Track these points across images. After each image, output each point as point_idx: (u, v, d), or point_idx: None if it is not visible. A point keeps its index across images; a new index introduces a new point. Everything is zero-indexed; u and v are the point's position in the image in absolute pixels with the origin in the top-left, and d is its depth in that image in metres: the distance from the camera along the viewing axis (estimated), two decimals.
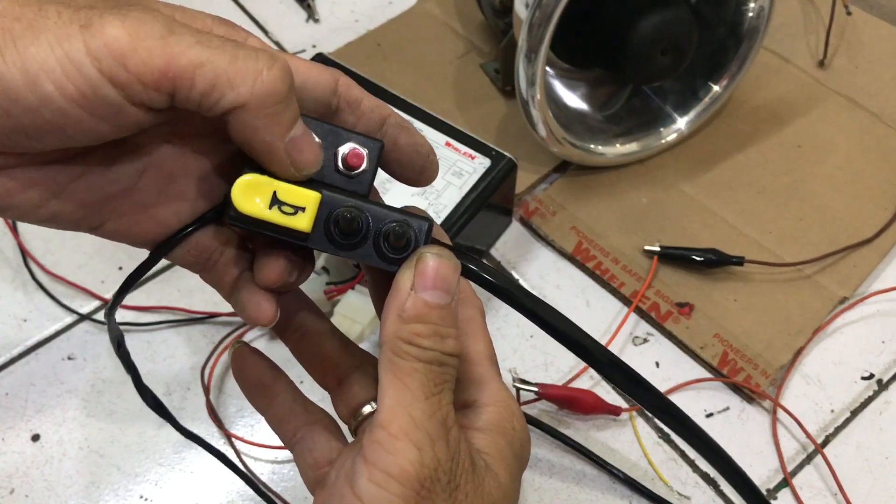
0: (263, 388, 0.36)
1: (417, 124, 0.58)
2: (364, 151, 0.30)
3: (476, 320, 0.34)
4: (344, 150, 0.30)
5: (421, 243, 0.30)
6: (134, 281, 0.32)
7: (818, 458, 0.52)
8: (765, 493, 0.51)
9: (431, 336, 0.28)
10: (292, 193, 0.29)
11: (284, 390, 0.35)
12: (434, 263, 0.29)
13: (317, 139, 0.29)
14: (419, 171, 0.33)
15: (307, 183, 0.29)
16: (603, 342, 0.55)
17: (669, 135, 0.65)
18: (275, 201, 0.29)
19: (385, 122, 0.32)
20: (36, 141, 0.25)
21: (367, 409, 0.34)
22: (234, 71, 0.25)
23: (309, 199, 0.29)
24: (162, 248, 0.31)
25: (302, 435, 0.34)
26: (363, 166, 0.31)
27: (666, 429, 0.53)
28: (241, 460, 0.52)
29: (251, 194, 0.28)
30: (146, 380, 0.37)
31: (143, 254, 0.32)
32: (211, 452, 0.43)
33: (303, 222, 0.29)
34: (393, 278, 0.29)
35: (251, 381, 0.36)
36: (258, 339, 0.56)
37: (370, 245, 0.30)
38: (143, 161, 0.30)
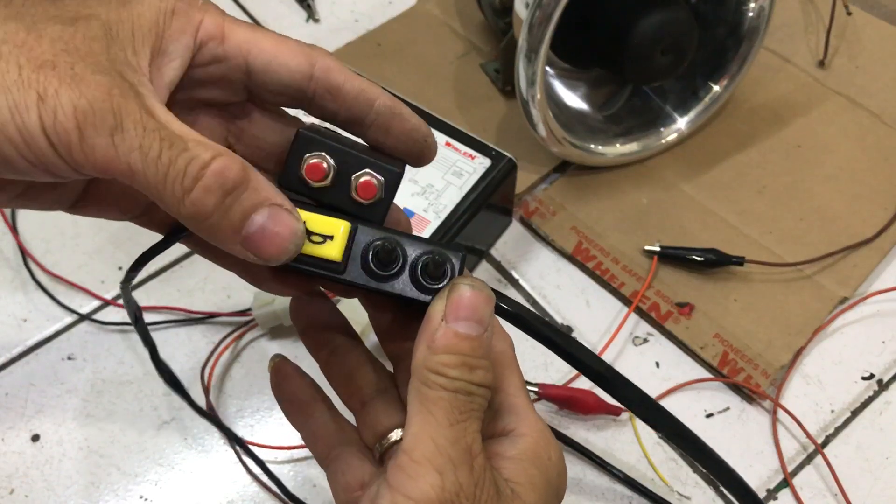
0: (300, 404, 0.36)
1: None
2: (379, 180, 0.30)
3: (508, 354, 0.34)
4: (358, 178, 0.30)
5: (457, 273, 0.30)
6: (150, 257, 0.31)
7: (818, 459, 0.52)
8: (765, 493, 0.51)
9: (460, 367, 0.28)
10: (320, 222, 0.29)
11: (321, 409, 0.35)
12: (469, 294, 0.29)
13: (289, 224, 0.27)
14: (417, 156, 0.32)
15: (328, 210, 0.29)
16: (603, 342, 0.56)
17: (669, 135, 0.65)
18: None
19: (373, 108, 0.30)
20: None
21: (393, 435, 0.33)
22: (164, 190, 0.25)
23: (338, 227, 0.29)
24: (179, 228, 0.31)
25: (336, 455, 0.34)
26: (377, 196, 0.30)
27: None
28: (241, 460, 0.52)
29: None
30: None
31: (145, 248, 0.32)
32: (223, 431, 0.43)
33: (333, 251, 0.29)
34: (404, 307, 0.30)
35: (289, 396, 0.36)
36: (259, 339, 0.56)
37: (406, 276, 0.30)
38: None
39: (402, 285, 0.29)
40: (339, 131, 0.32)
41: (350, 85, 0.30)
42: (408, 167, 0.32)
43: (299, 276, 0.31)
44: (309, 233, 0.28)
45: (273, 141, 0.33)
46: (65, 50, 0.25)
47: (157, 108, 0.26)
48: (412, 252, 0.29)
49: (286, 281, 0.33)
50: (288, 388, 0.36)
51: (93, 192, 0.31)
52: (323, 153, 0.29)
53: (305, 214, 0.28)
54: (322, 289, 0.36)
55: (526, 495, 0.30)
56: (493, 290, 0.30)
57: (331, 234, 0.28)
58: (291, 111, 0.33)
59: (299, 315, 0.36)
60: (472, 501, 0.28)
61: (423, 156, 0.32)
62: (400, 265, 0.29)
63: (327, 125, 0.32)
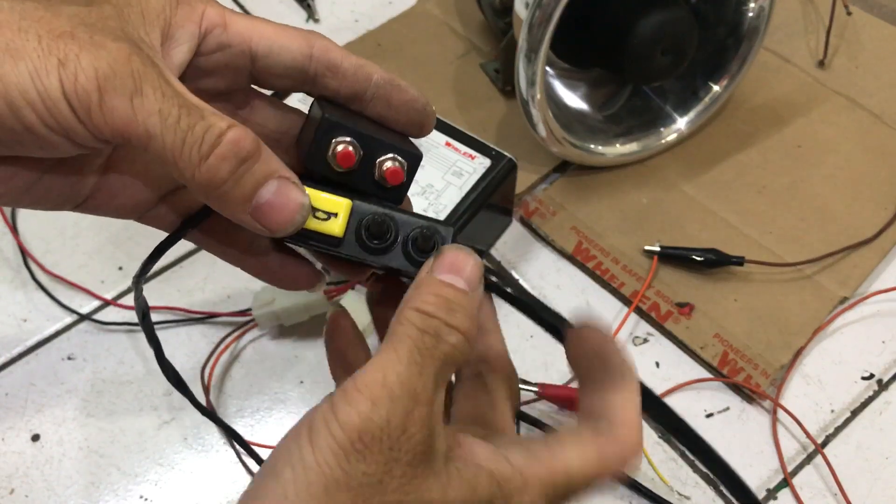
0: (346, 360, 0.36)
1: None
2: (403, 165, 0.31)
3: (501, 392, 0.34)
4: (384, 164, 0.31)
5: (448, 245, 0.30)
6: (164, 250, 0.32)
7: (818, 459, 0.52)
8: (765, 493, 0.51)
9: (438, 305, 0.28)
10: (325, 201, 0.29)
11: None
12: (454, 252, 0.29)
13: (297, 197, 0.28)
14: (418, 126, 0.33)
15: (342, 190, 0.30)
16: None
17: (669, 135, 0.65)
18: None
19: (371, 82, 0.31)
20: (10, 152, 0.26)
21: None
22: (180, 155, 0.26)
23: (340, 205, 0.30)
24: (192, 220, 0.32)
25: None
26: (402, 180, 0.31)
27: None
28: (241, 460, 0.52)
29: None
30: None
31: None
32: (224, 430, 0.43)
33: (336, 227, 0.30)
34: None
35: (337, 348, 0.36)
36: (261, 338, 0.56)
37: (399, 249, 0.30)
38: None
39: (393, 258, 0.30)
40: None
41: (348, 62, 0.31)
42: None
43: (304, 269, 0.32)
44: (314, 209, 0.29)
45: (274, 128, 0.34)
46: (82, 23, 0.26)
47: (172, 79, 0.27)
48: (406, 226, 0.30)
49: (284, 270, 0.33)
50: (338, 339, 0.36)
51: (103, 189, 0.31)
52: (349, 139, 0.30)
53: (310, 191, 0.29)
54: (322, 270, 0.36)
55: (456, 482, 0.27)
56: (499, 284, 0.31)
57: (335, 212, 0.30)
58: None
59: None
60: (390, 443, 0.26)
61: (423, 125, 0.33)
62: (392, 239, 0.30)
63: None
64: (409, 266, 0.30)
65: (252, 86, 0.33)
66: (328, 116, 0.30)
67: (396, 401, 0.26)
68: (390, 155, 0.31)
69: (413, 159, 0.31)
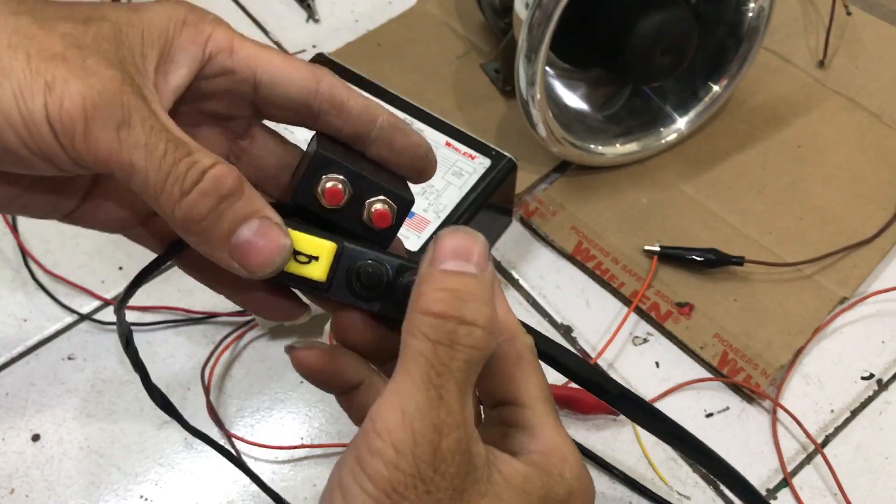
0: (332, 384, 0.33)
1: (417, 124, 0.58)
2: (393, 209, 0.30)
3: (526, 358, 0.30)
4: (373, 205, 0.30)
5: None
6: (146, 276, 0.32)
7: (818, 458, 0.52)
8: (765, 493, 0.51)
9: (448, 300, 0.25)
10: (306, 242, 0.29)
11: (359, 382, 0.32)
12: (451, 235, 0.27)
13: (277, 239, 0.27)
14: (419, 172, 0.32)
15: (328, 230, 0.29)
16: (603, 342, 0.56)
17: (669, 135, 0.65)
18: None
19: (376, 124, 0.31)
20: None
21: None
22: (161, 190, 0.25)
23: (324, 248, 0.29)
24: (175, 246, 0.31)
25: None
26: (390, 224, 0.30)
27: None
28: (242, 460, 0.52)
29: None
30: None
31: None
32: (220, 452, 0.42)
33: (317, 271, 0.29)
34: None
35: (318, 381, 0.33)
36: (261, 338, 0.56)
37: (391, 297, 0.29)
38: None
39: (386, 306, 0.30)
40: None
41: (354, 101, 0.30)
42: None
43: (288, 301, 0.32)
44: (295, 252, 0.29)
45: (272, 163, 0.33)
46: (75, 45, 0.25)
47: (160, 112, 0.26)
48: (400, 274, 0.29)
49: (267, 302, 0.32)
50: (313, 377, 0.33)
51: (89, 203, 0.31)
52: (341, 176, 0.30)
53: (293, 233, 0.28)
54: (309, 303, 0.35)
55: (508, 494, 0.27)
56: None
57: (316, 255, 0.29)
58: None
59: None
60: (426, 487, 0.25)
61: (424, 171, 0.32)
62: (385, 287, 0.29)
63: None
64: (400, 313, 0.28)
65: (258, 117, 0.32)
66: (321, 151, 0.30)
67: (420, 440, 0.25)
68: (381, 197, 0.30)
69: (403, 203, 0.30)
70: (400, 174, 0.32)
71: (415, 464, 0.25)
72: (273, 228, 0.27)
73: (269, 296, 0.33)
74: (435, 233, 0.29)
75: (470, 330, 0.26)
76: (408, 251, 0.31)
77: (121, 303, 0.31)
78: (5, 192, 0.29)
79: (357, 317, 0.31)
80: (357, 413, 0.33)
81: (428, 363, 0.25)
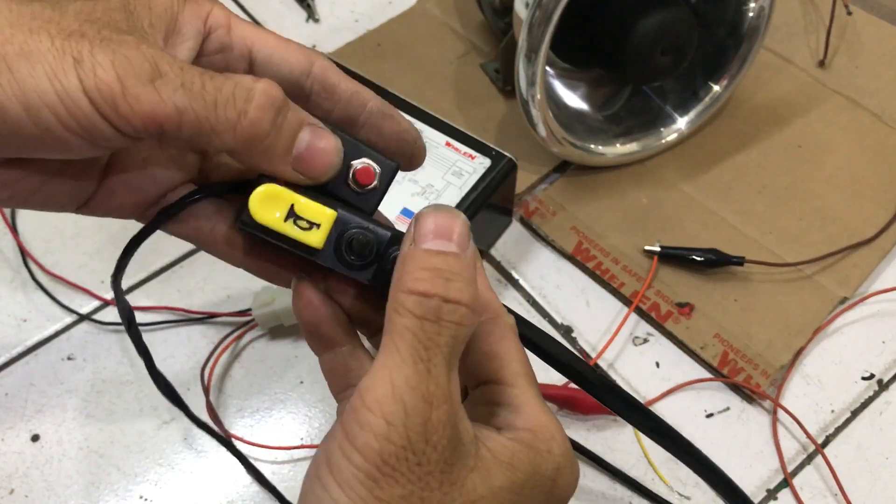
0: (321, 336, 0.33)
1: (417, 124, 0.58)
2: (377, 169, 0.30)
3: (508, 337, 0.31)
4: (357, 164, 0.30)
5: None
6: (138, 243, 0.32)
7: (818, 459, 0.52)
8: (765, 493, 0.51)
9: (432, 279, 0.26)
10: (310, 209, 0.29)
11: (346, 343, 0.32)
12: (432, 214, 0.27)
13: (332, 140, 0.28)
14: (408, 158, 0.33)
15: (321, 195, 0.29)
16: (603, 342, 0.56)
17: (669, 135, 0.65)
18: (291, 214, 0.29)
19: (365, 109, 0.31)
20: (25, 155, 0.26)
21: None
22: (216, 119, 0.26)
23: (325, 216, 0.29)
24: (167, 211, 0.31)
25: (350, 394, 0.31)
26: (373, 184, 0.30)
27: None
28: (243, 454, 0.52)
29: (270, 205, 0.28)
30: (147, 380, 0.37)
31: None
32: (221, 442, 0.42)
33: (315, 238, 0.29)
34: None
35: (309, 324, 0.32)
36: (261, 338, 0.56)
37: (377, 267, 0.30)
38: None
39: (371, 275, 0.30)
40: None
41: (345, 85, 0.31)
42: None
43: (278, 258, 0.32)
44: (297, 217, 0.29)
45: None
46: (88, 20, 0.26)
47: (183, 56, 0.27)
48: (387, 245, 0.30)
49: (263, 260, 0.32)
50: (309, 315, 0.32)
51: (103, 190, 0.31)
52: None
53: (298, 198, 0.29)
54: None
55: (495, 469, 0.27)
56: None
57: (318, 222, 0.29)
58: None
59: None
60: (417, 459, 0.25)
61: (413, 157, 0.33)
62: (373, 257, 0.30)
63: None
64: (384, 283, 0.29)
65: None
66: None
67: (411, 412, 0.25)
68: (364, 158, 0.30)
69: (387, 167, 0.31)
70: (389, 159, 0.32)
71: (406, 435, 0.25)
72: (324, 132, 0.28)
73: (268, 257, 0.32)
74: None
75: (454, 307, 0.26)
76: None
77: (115, 275, 0.31)
78: (27, 185, 0.29)
79: (347, 282, 0.31)
80: (337, 382, 0.33)
81: (415, 338, 0.26)
